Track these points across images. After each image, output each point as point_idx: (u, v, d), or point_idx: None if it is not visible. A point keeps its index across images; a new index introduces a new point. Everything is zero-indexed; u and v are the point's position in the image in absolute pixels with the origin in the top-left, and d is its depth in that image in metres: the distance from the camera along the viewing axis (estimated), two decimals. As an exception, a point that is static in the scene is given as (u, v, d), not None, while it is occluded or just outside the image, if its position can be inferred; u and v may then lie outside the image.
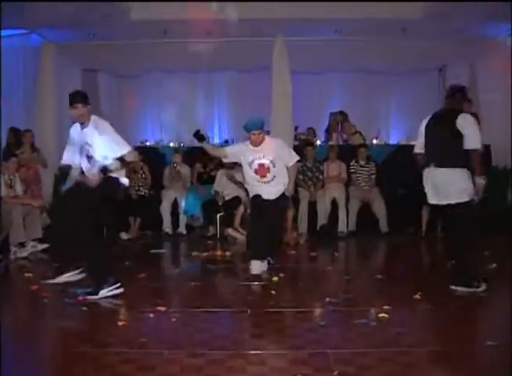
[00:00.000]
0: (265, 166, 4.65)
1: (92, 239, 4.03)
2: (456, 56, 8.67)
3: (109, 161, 3.87)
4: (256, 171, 4.68)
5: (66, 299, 3.88)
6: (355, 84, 9.76)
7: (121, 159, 3.94)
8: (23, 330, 3.37)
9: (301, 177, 7.09)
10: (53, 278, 4.06)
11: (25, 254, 5.70)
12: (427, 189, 4.17)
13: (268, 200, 4.71)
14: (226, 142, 8.95)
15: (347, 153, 7.67)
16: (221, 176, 7.23)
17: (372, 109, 9.85)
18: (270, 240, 4.75)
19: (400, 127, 9.79)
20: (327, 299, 3.80)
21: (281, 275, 4.61)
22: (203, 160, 7.63)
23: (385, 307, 3.53)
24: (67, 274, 4.04)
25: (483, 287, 4.01)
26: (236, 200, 7.05)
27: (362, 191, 7.31)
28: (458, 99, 4.22)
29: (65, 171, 4.24)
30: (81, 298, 3.87)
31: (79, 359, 2.73)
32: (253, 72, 9.39)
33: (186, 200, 7.38)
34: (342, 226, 7.20)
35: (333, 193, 7.30)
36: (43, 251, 5.85)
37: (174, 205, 7.49)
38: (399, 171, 7.47)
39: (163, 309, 3.61)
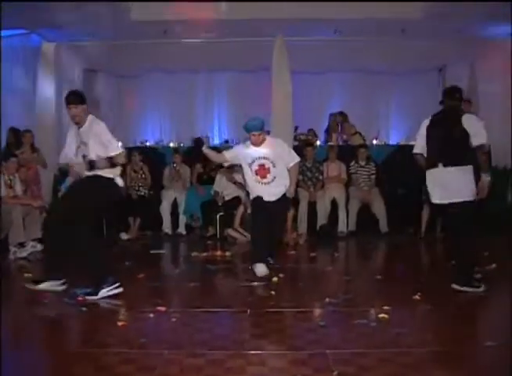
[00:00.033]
0: (265, 166, 4.63)
1: (92, 239, 4.04)
2: (456, 56, 8.68)
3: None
4: (256, 172, 4.65)
5: (65, 299, 3.87)
6: (354, 85, 9.76)
7: (111, 159, 3.93)
8: (23, 330, 3.37)
9: (300, 177, 7.09)
10: (34, 284, 4.04)
11: (25, 254, 5.70)
12: (432, 188, 4.16)
13: (269, 202, 4.67)
14: (226, 142, 8.95)
15: (346, 153, 7.68)
16: (220, 177, 7.23)
17: (372, 109, 9.85)
18: (271, 241, 4.75)
19: (400, 127, 9.79)
20: (327, 299, 3.80)
21: (281, 275, 4.60)
22: (203, 161, 7.62)
23: (385, 307, 3.53)
24: (49, 283, 4.01)
25: (483, 287, 4.01)
26: (236, 201, 7.05)
27: (362, 191, 7.31)
28: (457, 99, 4.24)
29: (64, 171, 4.25)
30: (80, 298, 3.87)
31: (79, 360, 2.73)
32: (253, 72, 9.40)
33: (186, 201, 7.39)
34: (342, 226, 7.20)
35: (333, 193, 7.30)
36: (43, 251, 5.85)
37: (174, 205, 7.50)
38: (399, 171, 7.48)
39: (163, 309, 3.61)
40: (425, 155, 4.33)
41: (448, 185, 4.02)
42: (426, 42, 7.85)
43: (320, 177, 7.41)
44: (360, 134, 8.47)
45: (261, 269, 4.49)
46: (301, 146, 7.48)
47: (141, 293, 4.22)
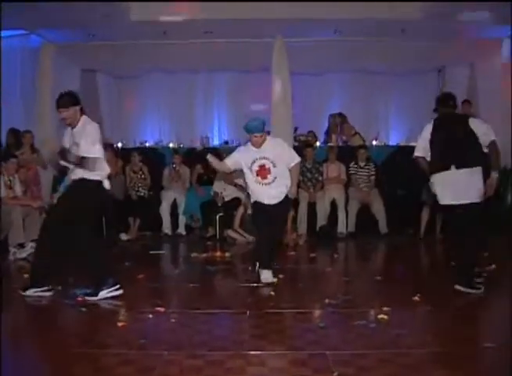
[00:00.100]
0: (266, 167, 4.55)
1: (92, 239, 4.04)
2: (456, 56, 8.69)
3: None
4: (257, 173, 4.57)
5: (65, 300, 3.88)
6: (354, 85, 9.76)
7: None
8: (23, 330, 3.38)
9: (300, 178, 7.07)
10: (23, 290, 4.04)
11: (24, 254, 5.69)
12: (441, 190, 4.18)
13: (270, 205, 4.57)
14: (226, 143, 8.95)
15: (346, 154, 7.67)
16: (220, 177, 7.23)
17: (371, 110, 9.85)
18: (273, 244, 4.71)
19: (399, 128, 9.79)
20: (327, 300, 3.80)
21: (280, 276, 4.60)
22: (203, 162, 7.62)
23: (384, 308, 3.53)
24: (33, 290, 4.01)
25: (482, 289, 4.02)
26: (236, 201, 7.05)
27: (362, 192, 7.31)
28: (451, 106, 4.35)
29: (62, 171, 4.25)
30: (80, 299, 3.87)
31: (78, 360, 2.73)
32: (252, 73, 9.40)
33: (186, 201, 7.39)
34: (341, 227, 7.20)
35: (333, 194, 7.30)
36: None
37: (174, 206, 7.50)
38: (399, 172, 7.48)
39: (162, 309, 3.61)
40: (427, 158, 4.33)
41: (459, 186, 4.06)
42: (425, 43, 7.85)
43: (320, 178, 7.41)
44: (360, 135, 8.46)
45: (267, 275, 4.44)
46: (301, 147, 7.47)
47: (140, 293, 4.22)
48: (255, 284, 4.36)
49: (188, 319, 3.46)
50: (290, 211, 6.41)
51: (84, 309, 3.66)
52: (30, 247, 5.76)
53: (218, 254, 6.01)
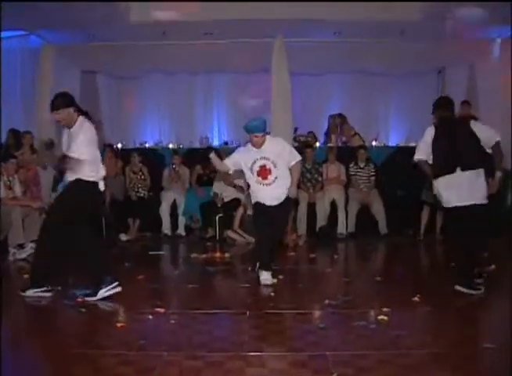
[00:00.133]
0: (266, 167, 4.50)
1: (91, 239, 4.04)
2: (455, 57, 8.68)
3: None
4: (258, 173, 4.53)
5: (65, 301, 3.88)
6: (354, 86, 9.76)
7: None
8: (22, 331, 3.38)
9: (300, 179, 7.08)
10: (23, 291, 4.05)
11: (24, 255, 5.69)
12: (446, 193, 4.19)
13: (271, 206, 4.53)
14: (226, 143, 8.95)
15: (346, 154, 7.67)
16: (219, 178, 7.23)
17: (371, 110, 9.84)
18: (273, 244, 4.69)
19: (399, 129, 9.79)
20: (326, 301, 3.80)
21: (280, 277, 4.60)
22: (202, 162, 7.62)
23: (384, 309, 3.53)
24: (32, 290, 4.02)
25: (482, 290, 4.02)
26: (236, 202, 7.04)
27: (362, 193, 7.31)
28: (450, 110, 4.40)
29: (62, 172, 4.26)
30: (80, 299, 3.87)
31: (78, 361, 2.73)
32: (252, 73, 9.40)
33: (185, 202, 7.39)
34: (341, 228, 7.20)
35: (333, 194, 7.30)
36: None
37: (174, 207, 7.50)
38: (398, 172, 7.48)
39: (162, 310, 3.61)
40: (429, 162, 4.34)
41: (465, 188, 4.10)
42: (425, 44, 7.85)
43: (320, 178, 7.41)
44: (359, 135, 8.47)
45: (266, 276, 4.43)
46: (301, 148, 7.46)
47: (140, 294, 4.22)
48: (254, 285, 4.36)
49: (187, 319, 3.45)
50: (291, 212, 6.40)
51: (83, 310, 3.66)
52: (29, 248, 5.75)
53: (218, 254, 6.01)
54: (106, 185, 4.24)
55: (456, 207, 4.14)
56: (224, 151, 6.50)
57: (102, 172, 4.12)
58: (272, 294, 4.13)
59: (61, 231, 3.90)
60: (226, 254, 5.99)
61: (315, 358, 2.72)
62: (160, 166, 7.83)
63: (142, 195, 7.47)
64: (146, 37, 7.66)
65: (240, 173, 4.85)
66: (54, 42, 7.87)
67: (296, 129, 8.47)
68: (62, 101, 3.97)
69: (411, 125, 9.26)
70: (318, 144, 8.31)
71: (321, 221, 7.20)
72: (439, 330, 3.25)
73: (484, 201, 4.10)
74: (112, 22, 7.09)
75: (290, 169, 4.61)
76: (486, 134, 4.16)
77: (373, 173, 7.42)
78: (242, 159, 4.62)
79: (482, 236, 4.30)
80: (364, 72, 9.44)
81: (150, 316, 3.49)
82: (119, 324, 3.33)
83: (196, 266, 5.49)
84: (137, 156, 7.59)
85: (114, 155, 7.62)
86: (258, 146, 4.49)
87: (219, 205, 7.13)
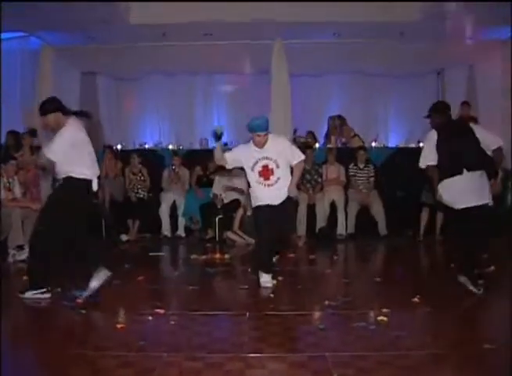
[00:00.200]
0: (269, 167, 4.43)
1: (81, 239, 4.07)
2: (455, 58, 8.69)
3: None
4: (260, 173, 4.44)
5: (64, 302, 3.87)
6: (353, 87, 9.78)
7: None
8: (22, 332, 3.37)
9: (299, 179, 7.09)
10: (22, 293, 4.05)
11: (23, 256, 5.67)
12: (454, 195, 4.22)
13: (272, 206, 4.43)
14: (225, 144, 8.93)
15: (345, 155, 7.68)
16: (219, 179, 7.24)
17: (370, 111, 9.86)
18: (279, 244, 4.65)
19: (399, 130, 9.80)
20: (326, 302, 3.80)
21: (280, 278, 4.60)
22: (202, 163, 7.64)
23: (384, 310, 3.53)
24: (31, 292, 4.02)
25: (482, 291, 4.04)
26: (235, 203, 7.05)
27: (361, 194, 7.31)
28: (446, 115, 4.44)
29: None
30: (79, 300, 3.87)
31: (77, 362, 2.73)
32: (252, 75, 9.41)
33: (185, 203, 7.39)
34: (341, 229, 7.20)
35: (332, 195, 7.30)
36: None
37: (173, 208, 7.50)
38: (398, 173, 7.50)
39: (161, 311, 3.61)
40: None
41: (472, 188, 4.16)
42: (424, 45, 7.86)
43: (319, 179, 7.42)
44: (359, 137, 8.48)
45: (266, 279, 4.41)
46: (300, 149, 7.44)
47: (140, 295, 4.22)
48: (254, 286, 4.36)
49: (187, 321, 3.45)
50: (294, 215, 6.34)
51: (83, 311, 3.66)
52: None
53: (218, 256, 6.01)
54: (100, 184, 4.25)
55: (465, 208, 4.16)
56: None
57: (96, 171, 4.15)
58: (272, 295, 4.13)
59: (53, 230, 3.92)
60: (226, 256, 5.98)
61: (315, 359, 2.72)
62: (159, 167, 7.84)
63: (141, 196, 7.47)
64: (146, 38, 7.67)
65: (240, 171, 4.77)
66: (54, 43, 7.88)
67: (295, 130, 8.47)
68: (50, 106, 4.03)
69: (410, 126, 9.28)
70: (317, 145, 8.32)
71: (321, 222, 7.20)
72: (439, 330, 3.25)
73: (491, 201, 4.18)
74: (112, 23, 7.10)
75: (292, 167, 4.51)
76: (489, 138, 4.25)
77: (372, 174, 7.42)
78: (242, 156, 4.53)
79: (485, 236, 4.33)
80: (363, 73, 9.46)
81: (150, 317, 3.49)
82: (119, 325, 3.32)
83: (196, 267, 5.50)
84: (137, 157, 7.60)
85: (114, 156, 7.63)
86: (261, 145, 4.41)
87: (219, 206, 7.13)
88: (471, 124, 4.44)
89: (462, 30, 7.56)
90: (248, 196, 5.13)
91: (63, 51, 7.98)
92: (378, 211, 7.23)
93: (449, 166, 4.24)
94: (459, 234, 4.35)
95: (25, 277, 4.26)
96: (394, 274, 5.03)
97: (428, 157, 4.36)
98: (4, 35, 7.11)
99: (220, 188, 7.20)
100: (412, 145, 8.23)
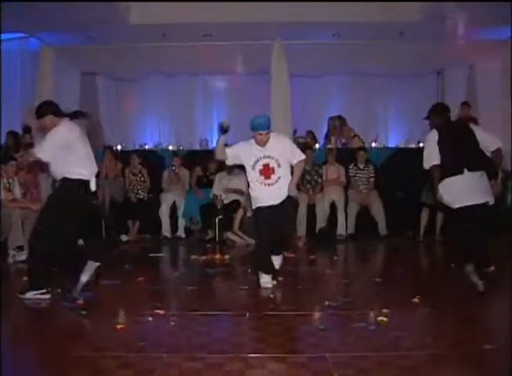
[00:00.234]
0: (270, 166, 4.38)
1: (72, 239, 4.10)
2: (455, 58, 8.70)
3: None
4: (260, 172, 4.39)
5: (65, 303, 3.87)
6: (353, 88, 9.78)
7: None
8: (22, 333, 3.37)
9: (299, 180, 7.08)
10: (23, 293, 4.06)
11: (23, 257, 5.66)
12: (455, 194, 4.24)
13: (272, 206, 4.38)
14: (225, 145, 8.93)
15: (345, 156, 7.68)
16: (219, 180, 7.24)
17: (370, 112, 9.87)
18: (280, 243, 4.61)
19: (399, 130, 9.81)
20: (326, 303, 3.80)
21: (280, 278, 4.60)
22: (202, 164, 7.64)
23: (384, 310, 3.52)
24: (32, 293, 4.03)
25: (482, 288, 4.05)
26: (235, 204, 7.04)
27: (361, 194, 7.31)
28: (446, 116, 4.50)
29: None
30: (80, 301, 3.87)
31: (77, 363, 2.72)
32: (251, 75, 9.41)
33: (185, 204, 7.39)
34: (341, 229, 7.20)
35: (332, 196, 7.30)
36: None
37: (173, 209, 7.50)
38: (398, 174, 7.51)
39: (161, 312, 3.60)
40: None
41: (474, 187, 4.20)
42: (424, 45, 7.87)
43: (319, 180, 7.42)
44: (359, 137, 8.48)
45: (266, 279, 4.41)
46: (300, 149, 7.46)
47: (140, 296, 4.22)
48: (254, 287, 4.36)
49: (187, 321, 3.45)
50: (295, 216, 6.32)
51: (83, 312, 3.66)
52: (29, 250, 5.77)
53: (218, 256, 6.01)
54: (99, 185, 4.28)
55: (465, 207, 4.18)
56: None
57: (94, 171, 4.16)
58: (272, 295, 4.13)
59: (52, 231, 3.94)
60: (226, 256, 5.98)
61: (315, 359, 2.72)
62: (159, 168, 7.84)
63: (141, 197, 7.47)
64: (146, 38, 7.67)
65: (239, 171, 4.74)
66: (53, 44, 7.88)
67: (295, 131, 8.47)
68: (47, 109, 4.09)
69: (410, 126, 9.28)
70: (317, 146, 8.32)
71: (321, 222, 7.20)
72: (439, 331, 3.25)
73: (493, 200, 4.24)
74: (112, 23, 7.10)
75: (292, 166, 4.47)
76: (488, 139, 4.30)
77: (372, 174, 7.42)
78: (242, 153, 4.48)
79: (485, 236, 4.36)
80: (363, 73, 9.47)
81: (150, 318, 3.49)
82: (119, 326, 3.32)
83: (196, 268, 5.50)
84: (137, 158, 7.60)
85: (114, 157, 7.63)
86: (263, 144, 4.36)
87: (219, 207, 7.13)
88: (471, 125, 4.48)
89: (462, 31, 7.56)
90: (248, 196, 5.12)
91: (63, 51, 7.99)
92: (378, 211, 7.23)
93: (452, 165, 4.25)
94: (461, 234, 4.34)
95: (25, 278, 4.26)
96: (394, 274, 5.03)
97: (432, 157, 4.36)
98: (4, 36, 7.11)
99: (220, 189, 7.20)
100: (412, 145, 8.23)
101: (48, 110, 4.08)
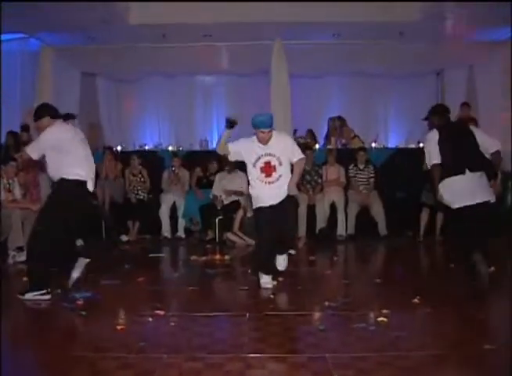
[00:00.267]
0: (271, 164, 4.35)
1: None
2: (455, 59, 8.70)
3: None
4: (261, 170, 4.36)
5: (65, 304, 3.87)
6: (353, 88, 9.79)
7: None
8: (22, 334, 3.37)
9: (299, 180, 7.06)
10: (22, 294, 4.07)
11: (23, 258, 5.64)
12: (456, 194, 4.26)
13: (272, 206, 4.37)
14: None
15: (345, 156, 7.68)
16: (219, 180, 7.24)
17: (370, 112, 9.87)
18: (286, 243, 4.59)
19: (399, 130, 9.81)
20: (326, 303, 3.80)
21: (280, 279, 4.59)
22: (202, 165, 7.64)
23: (384, 311, 3.52)
24: (32, 293, 4.04)
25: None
26: (235, 204, 7.04)
27: (361, 195, 7.31)
28: (446, 117, 4.52)
29: None
30: (80, 302, 3.87)
31: (77, 364, 2.72)
32: (251, 76, 9.41)
33: (185, 204, 7.39)
34: (341, 230, 7.20)
35: (332, 196, 7.30)
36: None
37: (173, 209, 7.50)
38: (398, 174, 7.50)
39: (162, 312, 3.60)
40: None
41: (475, 187, 4.23)
42: (424, 45, 7.87)
43: (319, 180, 7.41)
44: (359, 138, 8.48)
45: (267, 280, 4.40)
46: (301, 150, 7.47)
47: (140, 296, 4.22)
48: (254, 287, 4.36)
49: (187, 322, 3.45)
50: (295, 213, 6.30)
51: (84, 313, 3.66)
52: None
53: (218, 257, 6.01)
54: (99, 185, 4.29)
55: (465, 207, 4.20)
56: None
57: (92, 172, 4.19)
58: (272, 296, 4.13)
59: (51, 231, 3.95)
60: (226, 257, 5.98)
61: (315, 360, 2.72)
62: (159, 168, 7.84)
63: (141, 197, 7.47)
64: (146, 39, 7.68)
65: (238, 174, 4.74)
66: (53, 44, 7.88)
67: (295, 131, 8.48)
68: (44, 111, 4.17)
69: (410, 127, 9.28)
70: (317, 146, 8.32)
71: (320, 223, 7.20)
72: (439, 331, 3.25)
73: (493, 199, 4.28)
74: (112, 23, 7.10)
75: (292, 165, 4.44)
76: (488, 141, 4.34)
77: (372, 175, 7.42)
78: (243, 150, 4.44)
79: (486, 236, 4.39)
80: (363, 74, 9.46)
81: (150, 319, 3.49)
82: (119, 327, 3.32)
83: (196, 269, 5.49)
84: (136, 158, 7.60)
85: (114, 157, 7.63)
86: (265, 142, 4.33)
87: (219, 207, 7.13)
88: (471, 127, 4.51)
89: (462, 31, 7.57)
90: (248, 197, 5.11)
91: (63, 51, 7.99)
92: (378, 211, 7.22)
93: (453, 165, 4.27)
94: (462, 234, 4.35)
95: (25, 279, 4.26)
96: (395, 275, 5.03)
97: (433, 156, 4.37)
98: (4, 37, 7.12)
99: (220, 189, 7.20)
100: (412, 145, 8.23)
101: (46, 112, 4.16)
